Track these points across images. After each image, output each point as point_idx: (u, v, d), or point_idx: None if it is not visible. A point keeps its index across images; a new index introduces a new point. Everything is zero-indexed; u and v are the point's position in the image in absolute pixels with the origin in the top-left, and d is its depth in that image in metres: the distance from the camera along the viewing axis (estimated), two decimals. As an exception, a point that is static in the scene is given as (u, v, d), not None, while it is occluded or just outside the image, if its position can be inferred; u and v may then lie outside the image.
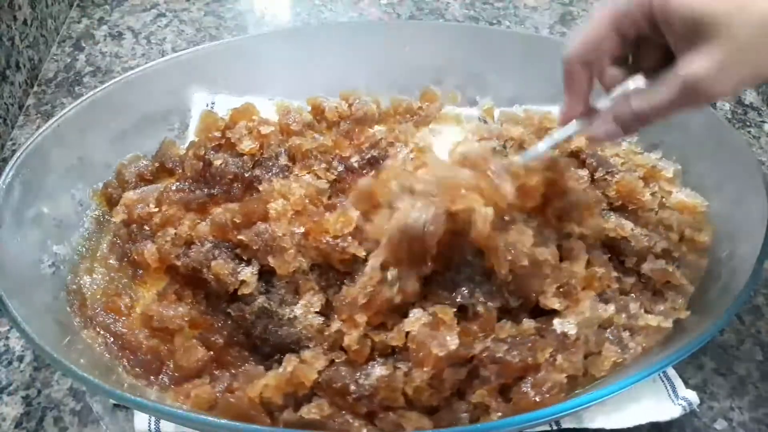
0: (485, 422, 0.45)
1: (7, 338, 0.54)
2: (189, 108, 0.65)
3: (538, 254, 0.47)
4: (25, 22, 0.76)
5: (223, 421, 0.41)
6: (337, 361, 0.45)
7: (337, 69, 0.66)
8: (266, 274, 0.49)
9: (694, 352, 0.44)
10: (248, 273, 0.48)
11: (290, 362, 0.44)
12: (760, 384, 0.52)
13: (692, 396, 0.48)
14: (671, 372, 0.50)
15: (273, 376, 0.44)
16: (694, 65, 0.37)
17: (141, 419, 0.47)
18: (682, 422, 0.49)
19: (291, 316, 0.47)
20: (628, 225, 0.53)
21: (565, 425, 0.47)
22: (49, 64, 0.82)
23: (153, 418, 0.47)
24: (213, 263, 0.48)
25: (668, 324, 0.49)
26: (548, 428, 0.47)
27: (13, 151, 0.65)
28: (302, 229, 0.49)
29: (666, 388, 0.49)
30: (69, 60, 0.82)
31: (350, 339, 0.45)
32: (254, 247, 0.48)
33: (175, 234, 0.51)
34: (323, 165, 0.56)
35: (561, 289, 0.48)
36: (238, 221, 0.50)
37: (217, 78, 0.66)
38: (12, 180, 0.51)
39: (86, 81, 0.79)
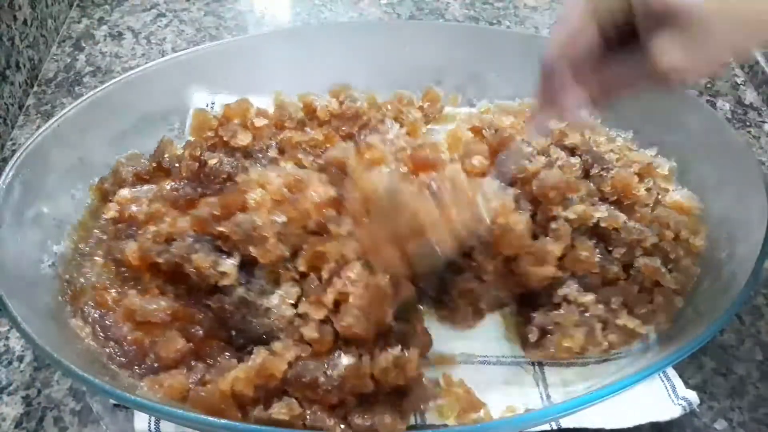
0: (484, 422, 0.45)
1: (7, 338, 0.54)
2: (189, 108, 0.65)
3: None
4: (25, 22, 0.76)
5: (224, 421, 0.41)
6: (303, 355, 0.45)
7: (337, 69, 0.66)
8: (248, 265, 0.49)
9: (694, 352, 0.44)
10: (229, 265, 0.48)
11: (259, 354, 0.44)
12: (760, 384, 0.52)
13: (692, 396, 0.48)
14: (671, 372, 0.50)
15: (243, 368, 0.44)
16: (671, 56, 0.38)
17: (141, 419, 0.47)
18: (682, 422, 0.49)
19: (267, 306, 0.47)
20: (622, 217, 0.53)
21: (565, 425, 0.47)
22: (49, 64, 0.82)
23: (153, 418, 0.47)
24: (194, 256, 0.49)
25: (643, 330, 0.49)
26: (548, 428, 0.47)
27: (13, 151, 0.65)
28: (284, 218, 0.49)
29: (666, 388, 0.49)
30: (69, 60, 0.82)
31: (308, 330, 0.45)
32: (235, 238, 0.49)
33: (156, 231, 0.51)
34: (311, 158, 0.56)
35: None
36: (217, 213, 0.50)
37: (217, 78, 0.66)
38: (12, 180, 0.51)
39: (86, 81, 0.79)
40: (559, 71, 0.42)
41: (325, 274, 0.47)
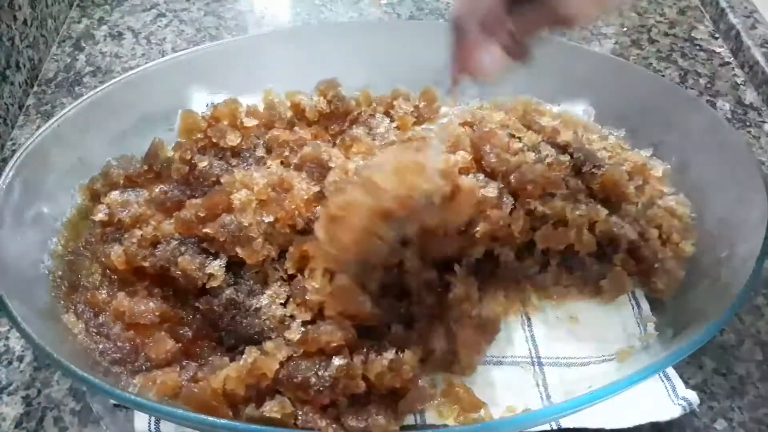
0: (484, 422, 0.45)
1: (7, 338, 0.54)
2: (189, 108, 0.65)
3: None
4: (25, 22, 0.76)
5: (224, 421, 0.41)
6: (295, 355, 0.45)
7: (337, 69, 0.65)
8: (234, 266, 0.49)
9: (694, 352, 0.44)
10: (216, 266, 0.49)
11: (251, 353, 0.44)
12: (760, 384, 0.52)
13: (692, 396, 0.48)
14: (671, 372, 0.50)
15: (234, 368, 0.44)
16: (571, 3, 0.41)
17: (141, 419, 0.47)
18: (682, 422, 0.49)
19: (257, 306, 0.47)
20: (603, 211, 0.54)
21: (565, 425, 0.47)
22: (49, 64, 0.82)
23: (153, 418, 0.47)
24: (180, 259, 0.49)
25: None
26: (548, 428, 0.47)
27: (13, 151, 0.65)
28: (271, 218, 0.49)
29: (666, 388, 0.49)
30: (69, 60, 0.82)
31: (290, 333, 0.45)
32: (221, 239, 0.49)
33: (141, 236, 0.51)
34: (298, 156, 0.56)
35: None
36: (202, 215, 0.50)
37: (217, 78, 0.66)
38: (12, 180, 0.51)
39: (86, 81, 0.79)
40: (470, 29, 0.43)
41: (306, 276, 0.48)
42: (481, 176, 0.53)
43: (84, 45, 0.85)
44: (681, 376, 0.50)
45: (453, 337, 0.48)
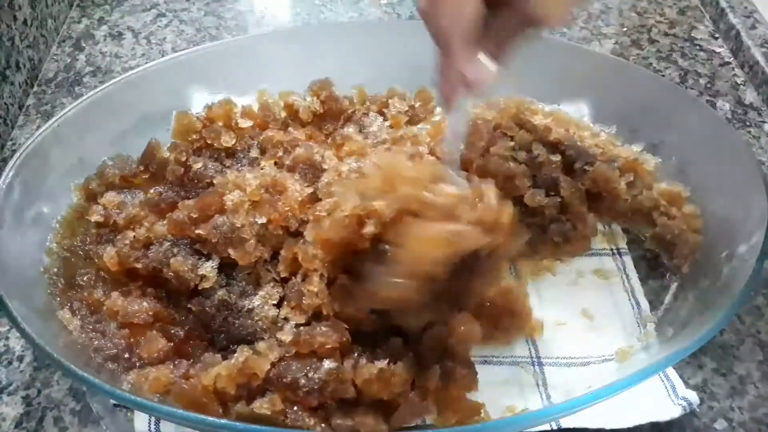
0: (485, 422, 0.45)
1: (7, 338, 0.54)
2: (189, 108, 0.65)
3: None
4: (25, 22, 0.76)
5: (224, 421, 0.41)
6: (287, 356, 0.45)
7: (337, 69, 0.66)
8: (227, 267, 0.49)
9: (694, 352, 0.44)
10: (208, 267, 0.49)
11: (242, 353, 0.44)
12: (760, 384, 0.52)
13: (692, 396, 0.48)
14: (671, 372, 0.50)
15: (225, 366, 0.44)
16: (542, 4, 0.42)
17: (141, 419, 0.47)
18: (682, 422, 0.49)
19: (250, 307, 0.47)
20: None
21: (565, 425, 0.47)
22: (49, 64, 0.82)
23: (153, 418, 0.47)
24: (172, 260, 0.48)
25: None
26: (548, 428, 0.47)
27: (13, 151, 0.65)
28: (263, 219, 0.49)
29: (666, 388, 0.49)
30: (69, 60, 0.82)
31: (283, 334, 0.45)
32: (213, 240, 0.49)
33: (134, 237, 0.51)
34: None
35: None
36: (194, 216, 0.50)
37: (217, 78, 0.66)
38: (12, 180, 0.51)
39: (86, 81, 0.79)
40: (455, 42, 0.42)
41: (299, 279, 0.47)
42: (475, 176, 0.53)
43: (84, 45, 0.85)
44: (681, 376, 0.50)
45: (449, 374, 0.46)
